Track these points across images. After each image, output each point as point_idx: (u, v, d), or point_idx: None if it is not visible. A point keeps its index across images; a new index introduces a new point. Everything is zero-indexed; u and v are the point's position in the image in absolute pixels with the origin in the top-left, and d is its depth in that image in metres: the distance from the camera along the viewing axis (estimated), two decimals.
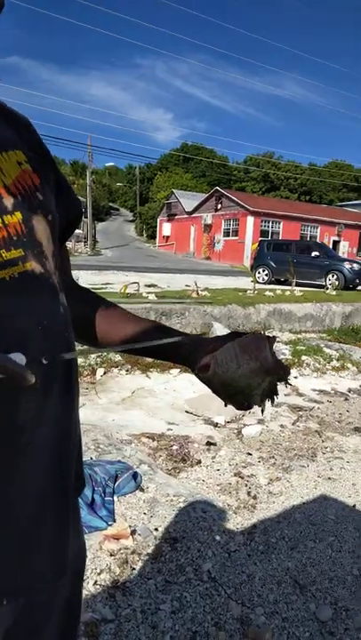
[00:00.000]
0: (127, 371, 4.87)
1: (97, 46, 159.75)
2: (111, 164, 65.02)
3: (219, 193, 31.44)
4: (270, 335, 0.68)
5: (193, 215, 34.49)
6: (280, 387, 0.69)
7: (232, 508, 2.38)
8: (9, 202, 0.56)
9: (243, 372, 0.65)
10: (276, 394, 0.69)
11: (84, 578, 1.77)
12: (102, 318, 0.77)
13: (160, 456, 2.99)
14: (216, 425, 3.65)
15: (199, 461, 2.95)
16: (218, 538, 2.08)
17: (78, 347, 0.73)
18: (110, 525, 2.06)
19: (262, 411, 0.70)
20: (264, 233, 27.73)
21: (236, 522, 2.26)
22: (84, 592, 1.69)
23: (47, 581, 0.62)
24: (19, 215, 0.57)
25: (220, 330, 6.43)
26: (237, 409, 0.70)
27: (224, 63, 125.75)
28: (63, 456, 0.63)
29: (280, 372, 0.67)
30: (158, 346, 0.72)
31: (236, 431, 3.53)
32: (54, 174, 0.67)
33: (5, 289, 0.53)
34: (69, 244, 26.89)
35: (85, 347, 0.74)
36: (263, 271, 15.37)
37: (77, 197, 0.73)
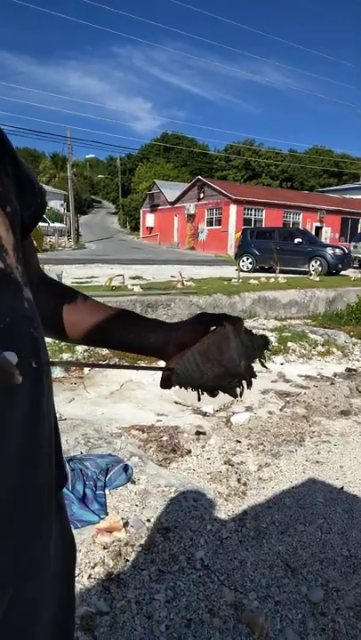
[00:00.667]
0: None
1: (73, 36, 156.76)
2: (92, 155, 64.22)
3: (201, 182, 31.29)
4: (236, 319, 0.66)
5: (176, 205, 34.31)
6: (263, 370, 0.70)
7: (223, 496, 2.41)
8: None
9: (208, 378, 0.64)
10: (254, 376, 0.68)
11: (78, 572, 1.77)
12: (70, 310, 0.75)
13: (150, 447, 3.00)
14: (205, 414, 3.67)
15: (189, 451, 2.97)
16: (209, 526, 2.10)
17: (72, 349, 0.72)
18: (103, 519, 2.07)
19: (240, 394, 0.70)
20: (247, 221, 27.73)
21: (227, 509, 2.29)
22: (79, 586, 1.70)
23: (26, 580, 0.62)
24: None
25: None
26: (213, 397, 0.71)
27: (203, 51, 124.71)
28: (35, 453, 0.62)
29: (249, 369, 0.66)
30: (128, 342, 0.72)
31: (224, 419, 3.56)
32: (13, 163, 0.64)
33: None
34: (53, 239, 26.60)
35: (71, 359, 0.71)
36: (247, 259, 15.40)
37: (41, 186, 0.71)
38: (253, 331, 0.68)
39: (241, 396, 0.69)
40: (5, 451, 0.53)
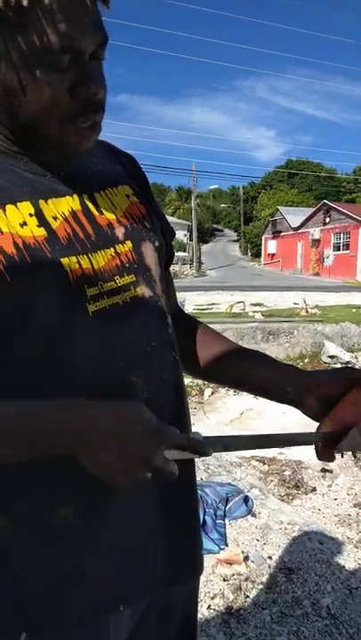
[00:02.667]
0: (235, 391, 4.85)
1: (198, 74, 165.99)
2: (215, 186, 66.51)
3: (327, 206, 30.34)
4: None
5: (299, 231, 33.65)
6: None
7: (353, 542, 2.22)
8: (120, 232, 0.62)
9: None
10: None
11: (199, 600, 1.76)
12: (203, 345, 0.77)
13: (271, 481, 2.91)
14: None
15: (314, 489, 2.81)
16: (337, 572, 1.95)
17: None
18: (222, 549, 2.05)
19: None
20: None
21: (357, 557, 2.10)
22: (198, 615, 1.68)
23: (159, 587, 0.67)
24: (129, 244, 0.62)
25: (332, 349, 6.12)
26: None
27: (328, 74, 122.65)
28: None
29: None
30: (260, 385, 0.71)
31: (354, 458, 3.31)
32: (156, 205, 0.73)
33: (119, 312, 0.59)
34: (176, 267, 27.88)
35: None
36: None
37: (167, 220, 0.77)
38: None
39: None
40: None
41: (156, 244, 0.66)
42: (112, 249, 0.60)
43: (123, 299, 0.59)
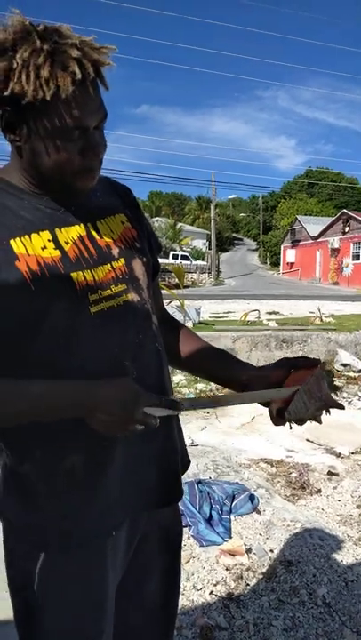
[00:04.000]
0: None
1: (220, 84, 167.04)
2: (234, 195, 66.66)
3: (346, 215, 30.20)
4: (317, 360, 0.82)
5: (318, 240, 33.52)
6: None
7: (352, 540, 2.31)
8: (115, 251, 0.81)
9: (311, 412, 0.80)
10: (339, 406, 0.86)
11: (201, 587, 1.89)
12: (182, 343, 0.97)
13: (278, 482, 3.01)
14: (339, 455, 3.53)
15: (319, 490, 2.89)
16: (335, 566, 2.04)
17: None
18: (226, 541, 2.16)
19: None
20: None
21: (356, 553, 2.19)
22: (200, 599, 1.81)
23: (148, 511, 0.85)
24: (122, 260, 0.81)
25: (345, 357, 6.17)
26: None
27: (349, 85, 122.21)
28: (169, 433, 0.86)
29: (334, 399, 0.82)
30: (223, 376, 0.92)
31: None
32: (146, 226, 0.91)
33: (114, 313, 0.77)
34: (194, 276, 28.06)
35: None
36: None
37: (157, 238, 0.96)
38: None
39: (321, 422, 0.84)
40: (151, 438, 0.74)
41: (144, 259, 0.85)
42: (109, 265, 0.78)
43: (117, 302, 0.77)
